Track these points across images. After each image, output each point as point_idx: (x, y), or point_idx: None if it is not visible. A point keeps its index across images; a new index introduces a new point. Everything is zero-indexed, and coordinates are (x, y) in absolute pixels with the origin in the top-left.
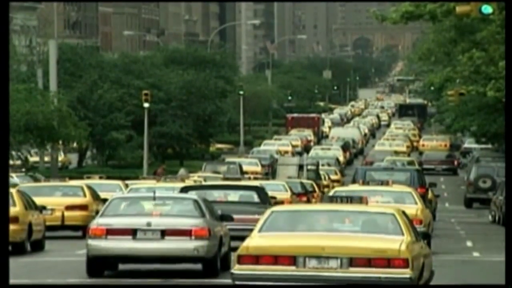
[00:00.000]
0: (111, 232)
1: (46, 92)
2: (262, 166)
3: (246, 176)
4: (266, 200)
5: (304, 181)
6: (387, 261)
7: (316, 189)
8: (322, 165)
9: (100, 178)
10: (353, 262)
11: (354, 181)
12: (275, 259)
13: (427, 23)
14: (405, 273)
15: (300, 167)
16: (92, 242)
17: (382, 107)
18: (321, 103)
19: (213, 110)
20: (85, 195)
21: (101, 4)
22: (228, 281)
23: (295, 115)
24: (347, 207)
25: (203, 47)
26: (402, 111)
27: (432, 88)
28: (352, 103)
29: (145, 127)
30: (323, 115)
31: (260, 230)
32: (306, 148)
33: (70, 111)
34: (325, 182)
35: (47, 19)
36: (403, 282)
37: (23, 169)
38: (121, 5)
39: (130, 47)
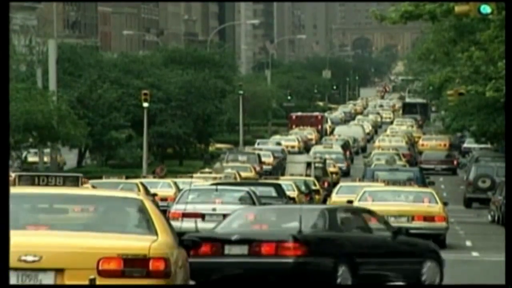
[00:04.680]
0: (185, 215)
1: (45, 91)
2: (274, 157)
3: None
4: (282, 195)
5: (308, 179)
6: (433, 218)
7: (319, 187)
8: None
9: (154, 177)
10: (414, 218)
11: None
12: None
13: (427, 23)
14: (443, 224)
15: (308, 164)
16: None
17: (381, 106)
18: (321, 103)
19: (213, 110)
20: (139, 191)
21: (101, 4)
22: None
23: (299, 113)
24: (404, 188)
25: (202, 47)
26: (406, 109)
27: (431, 88)
28: (353, 102)
29: (145, 126)
30: (326, 114)
31: (359, 200)
32: (307, 147)
33: (69, 109)
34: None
35: (46, 18)
36: (442, 228)
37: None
38: (121, 5)
39: (129, 47)
